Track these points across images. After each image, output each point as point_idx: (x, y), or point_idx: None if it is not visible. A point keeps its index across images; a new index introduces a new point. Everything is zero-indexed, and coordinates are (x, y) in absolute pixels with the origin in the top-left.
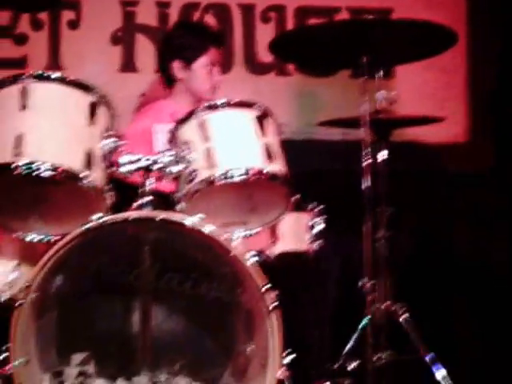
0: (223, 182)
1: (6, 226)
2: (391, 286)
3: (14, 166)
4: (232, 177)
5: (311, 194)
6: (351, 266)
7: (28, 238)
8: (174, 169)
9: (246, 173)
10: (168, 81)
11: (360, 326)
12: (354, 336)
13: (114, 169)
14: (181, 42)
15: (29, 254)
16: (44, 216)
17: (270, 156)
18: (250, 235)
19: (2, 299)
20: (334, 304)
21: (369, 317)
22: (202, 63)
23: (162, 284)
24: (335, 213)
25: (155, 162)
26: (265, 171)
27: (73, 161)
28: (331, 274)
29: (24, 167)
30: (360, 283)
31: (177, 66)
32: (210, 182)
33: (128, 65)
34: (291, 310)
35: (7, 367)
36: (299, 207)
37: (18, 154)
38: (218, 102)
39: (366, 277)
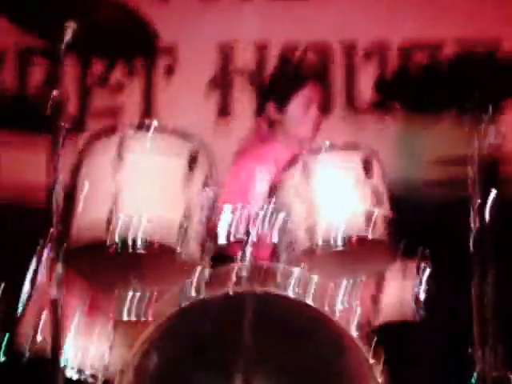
0: (324, 251)
1: (100, 302)
2: (502, 353)
3: (109, 243)
4: (334, 246)
5: (418, 240)
6: (459, 328)
7: (123, 317)
8: (273, 239)
9: (348, 240)
10: (267, 124)
11: None
12: None
13: (211, 241)
14: (273, 83)
15: (123, 333)
16: (140, 284)
17: (371, 221)
18: (356, 286)
19: (98, 382)
20: (442, 371)
21: None
22: (296, 103)
23: (263, 357)
24: (441, 266)
25: (253, 233)
26: (368, 237)
27: (168, 231)
28: (438, 340)
29: (119, 244)
30: (469, 350)
31: (272, 109)
32: (311, 252)
33: (226, 110)
34: (397, 378)
35: None
36: (404, 266)
37: (111, 229)
38: (322, 148)
39: (476, 343)
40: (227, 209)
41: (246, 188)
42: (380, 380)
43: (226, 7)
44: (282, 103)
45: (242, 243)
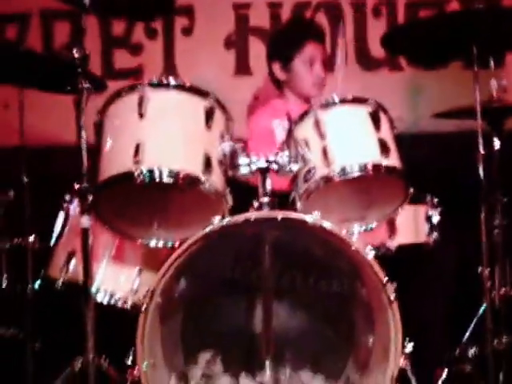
0: (341, 178)
1: (128, 233)
2: (509, 273)
3: (136, 173)
4: (349, 173)
5: (426, 187)
6: (468, 254)
7: (150, 244)
8: (292, 168)
9: (363, 168)
10: (275, 82)
11: (479, 313)
12: (473, 323)
13: (233, 171)
14: (277, 43)
15: (151, 259)
16: (165, 222)
17: (385, 150)
18: (369, 230)
19: (127, 305)
20: (453, 292)
21: (486, 304)
22: (299, 61)
23: (283, 282)
24: (451, 203)
25: (273, 163)
26: (382, 165)
27: (193, 165)
28: (449, 264)
29: (146, 174)
30: (478, 270)
31: (277, 68)
32: (327, 180)
33: (242, 68)
34: (410, 300)
35: (135, 371)
36: (416, 200)
37: (138, 162)
38: (332, 100)
39: (484, 264)
40: (245, 159)
41: (269, 137)
42: (393, 301)
43: None
44: (286, 62)
45: (262, 172)
